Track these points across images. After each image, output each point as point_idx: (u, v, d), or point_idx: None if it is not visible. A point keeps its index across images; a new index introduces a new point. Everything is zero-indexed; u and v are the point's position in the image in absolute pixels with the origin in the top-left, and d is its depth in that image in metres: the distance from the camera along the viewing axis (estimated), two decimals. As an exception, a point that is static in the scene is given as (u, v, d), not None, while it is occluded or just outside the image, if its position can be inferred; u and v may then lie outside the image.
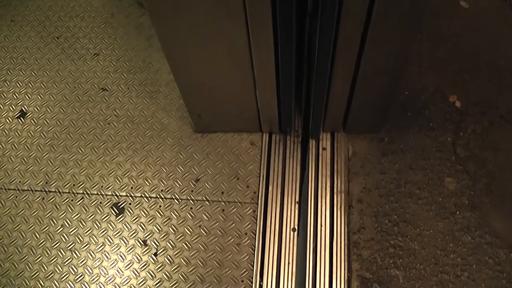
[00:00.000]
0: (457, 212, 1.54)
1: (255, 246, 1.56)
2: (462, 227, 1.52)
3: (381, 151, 1.63)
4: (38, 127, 1.88)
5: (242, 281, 1.52)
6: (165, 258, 1.57)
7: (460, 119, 1.66)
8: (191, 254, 1.57)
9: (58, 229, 1.66)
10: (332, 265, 1.51)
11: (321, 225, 1.56)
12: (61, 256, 1.61)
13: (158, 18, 1.21)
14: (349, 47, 1.24)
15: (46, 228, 1.66)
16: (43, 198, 1.72)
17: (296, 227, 1.57)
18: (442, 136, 1.63)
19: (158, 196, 1.68)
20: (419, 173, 1.59)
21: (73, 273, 1.58)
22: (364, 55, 1.26)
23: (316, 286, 1.49)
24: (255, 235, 1.57)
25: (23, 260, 1.61)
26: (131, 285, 1.54)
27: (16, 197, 1.73)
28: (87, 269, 1.58)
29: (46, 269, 1.59)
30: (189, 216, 1.63)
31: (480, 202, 1.55)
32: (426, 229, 1.53)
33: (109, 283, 1.55)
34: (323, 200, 1.59)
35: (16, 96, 1.97)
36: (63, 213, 1.68)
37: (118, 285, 1.54)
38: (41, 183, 1.75)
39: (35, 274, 1.58)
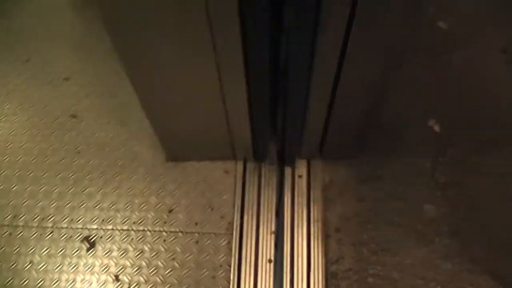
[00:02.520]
0: (437, 240, 1.53)
1: (230, 279, 1.54)
2: (442, 254, 1.51)
3: (359, 177, 1.62)
4: (5, 157, 1.84)
5: (218, 316, 1.50)
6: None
7: (439, 144, 1.65)
8: (165, 289, 1.55)
9: (26, 266, 1.62)
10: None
11: (298, 256, 1.54)
12: (31, 295, 1.58)
13: (123, 52, 1.19)
14: (326, 70, 1.21)
15: (14, 265, 1.63)
16: (10, 234, 1.68)
17: (272, 258, 1.55)
18: (421, 161, 1.62)
19: (130, 228, 1.65)
20: (398, 200, 1.58)
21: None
22: (342, 79, 1.23)
23: (293, 320, 1.47)
24: (231, 267, 1.55)
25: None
26: (104, 324, 1.51)
27: (-18, 232, 1.70)
28: (57, 308, 1.55)
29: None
30: (162, 249, 1.61)
31: (460, 229, 1.54)
32: (405, 257, 1.52)
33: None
34: (300, 230, 1.57)
35: (-18, 124, 1.94)
36: (31, 249, 1.65)
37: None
38: (9, 217, 1.72)
39: (2, 315, 1.55)
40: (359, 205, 1.58)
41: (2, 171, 1.81)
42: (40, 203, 1.73)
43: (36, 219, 1.70)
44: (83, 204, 1.71)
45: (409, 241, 1.53)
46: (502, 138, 1.66)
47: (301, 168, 1.66)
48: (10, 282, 1.59)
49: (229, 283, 1.53)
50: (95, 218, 1.68)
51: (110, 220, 1.67)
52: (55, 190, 1.75)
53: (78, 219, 1.68)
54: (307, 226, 1.57)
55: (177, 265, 1.58)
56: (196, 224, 1.63)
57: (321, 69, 1.20)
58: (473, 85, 1.74)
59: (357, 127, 1.49)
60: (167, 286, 1.55)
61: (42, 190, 1.75)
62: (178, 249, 1.60)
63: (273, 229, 1.59)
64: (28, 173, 1.80)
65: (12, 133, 1.90)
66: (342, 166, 1.64)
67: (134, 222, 1.66)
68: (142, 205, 1.69)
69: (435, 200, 1.57)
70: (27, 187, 1.77)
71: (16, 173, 1.80)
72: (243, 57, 1.15)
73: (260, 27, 1.07)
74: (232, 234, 1.59)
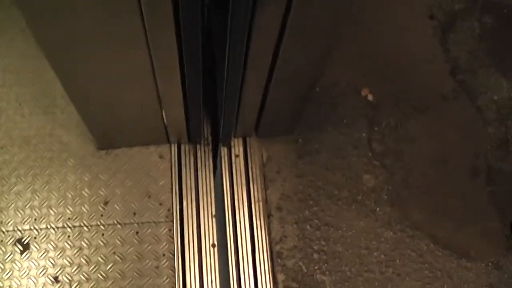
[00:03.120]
0: (377, 209, 1.55)
1: (175, 267, 1.51)
2: (384, 223, 1.54)
3: (297, 153, 1.60)
4: None
5: (165, 306, 1.48)
6: (81, 293, 1.51)
7: (373, 113, 1.63)
8: (108, 285, 1.51)
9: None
10: (256, 279, 1.49)
11: (241, 238, 1.53)
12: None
13: (42, 40, 1.07)
14: (263, 50, 1.16)
15: None
16: None
17: (216, 242, 1.53)
18: (357, 132, 1.61)
19: (66, 226, 1.58)
20: (337, 172, 1.57)
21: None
22: (279, 56, 1.18)
23: (241, 302, 1.47)
24: (174, 255, 1.53)
25: None
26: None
27: None
28: (-5, 316, 1.49)
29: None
30: (102, 244, 1.56)
31: (399, 196, 1.56)
32: (348, 229, 1.53)
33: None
34: (241, 211, 1.55)
35: None
36: (-40, 257, 1.57)
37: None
38: None
39: None
40: (298, 182, 1.57)
41: None
42: (-35, 206, 1.63)
43: (-38, 225, 1.60)
44: (12, 204, 1.62)
45: (350, 213, 1.54)
46: (431, 102, 1.66)
47: (238, 147, 1.62)
48: None
49: (174, 271, 1.51)
50: (27, 218, 1.60)
51: (43, 219, 1.59)
52: (-20, 191, 1.65)
53: (8, 221, 1.60)
54: (248, 206, 1.55)
55: (118, 259, 1.54)
56: (134, 214, 1.58)
57: (258, 48, 1.14)
58: (402, 52, 1.72)
59: (293, 106, 1.45)
60: (110, 282, 1.51)
61: (-35, 192, 1.65)
62: (118, 242, 1.55)
63: (214, 212, 1.56)
64: None
65: None
66: (278, 143, 1.61)
67: (69, 218, 1.59)
68: (75, 199, 1.61)
69: (373, 170, 1.57)
70: (-52, 191, 1.65)
71: None
72: (175, 37, 1.06)
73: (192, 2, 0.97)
74: (172, 221, 1.56)
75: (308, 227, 1.53)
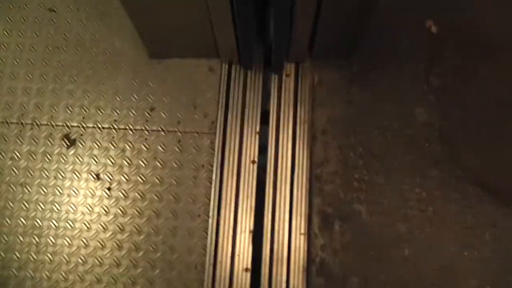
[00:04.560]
0: (427, 145, 1.52)
1: (212, 179, 1.56)
2: (431, 160, 1.51)
3: (349, 79, 1.58)
4: (-19, 52, 1.82)
5: (199, 215, 1.54)
6: (119, 192, 1.58)
7: (435, 46, 1.59)
8: (146, 188, 1.58)
9: (8, 163, 1.65)
10: (292, 200, 1.51)
11: (282, 157, 1.55)
12: (12, 191, 1.61)
13: None
14: None
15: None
16: (-11, 129, 1.70)
17: (256, 159, 1.56)
18: (415, 63, 1.58)
19: (111, 127, 1.65)
20: (389, 103, 1.55)
21: (25, 209, 1.59)
22: None
23: (275, 221, 1.50)
24: (213, 167, 1.57)
25: None
26: (85, 221, 1.56)
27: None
28: (39, 205, 1.59)
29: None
30: (144, 148, 1.62)
31: (451, 134, 1.52)
32: (392, 162, 1.52)
33: (62, 220, 1.57)
34: (285, 131, 1.57)
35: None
36: (12, 145, 1.67)
37: (71, 221, 1.56)
38: (-13, 113, 1.72)
39: (-16, 208, 1.60)
40: (348, 107, 1.56)
41: (-22, 66, 1.79)
42: (19, 99, 1.72)
43: (15, 116, 1.70)
44: (63, 101, 1.70)
45: (397, 146, 1.52)
46: (501, 43, 1.60)
47: (290, 68, 1.62)
48: (-9, 178, 1.63)
49: (211, 183, 1.55)
50: (76, 115, 1.68)
51: (91, 118, 1.67)
52: (34, 87, 1.74)
53: (59, 116, 1.68)
54: (293, 127, 1.56)
55: (158, 164, 1.59)
56: (179, 122, 1.63)
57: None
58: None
59: (347, 28, 1.43)
60: (148, 185, 1.57)
61: (20, 86, 1.74)
62: (160, 148, 1.61)
63: (257, 129, 1.59)
64: (5, 69, 1.77)
65: (-13, 27, 1.85)
66: (332, 67, 1.60)
67: (115, 120, 1.66)
68: (123, 103, 1.68)
69: (427, 104, 1.54)
70: (5, 84, 1.75)
71: (-7, 68, 1.78)
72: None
73: None
74: (215, 133, 1.59)
75: (351, 154, 1.53)
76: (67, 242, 1.53)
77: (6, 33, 1.81)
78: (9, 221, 1.56)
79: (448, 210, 1.48)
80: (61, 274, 1.51)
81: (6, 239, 1.55)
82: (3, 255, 1.54)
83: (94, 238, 1.53)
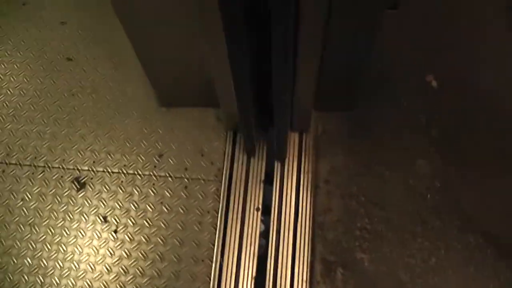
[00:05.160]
0: (428, 195, 1.57)
1: (217, 225, 1.60)
2: (432, 210, 1.56)
3: (352, 130, 1.66)
4: (0, 96, 1.92)
5: (203, 260, 1.57)
6: (125, 235, 1.63)
7: (435, 99, 1.67)
8: (151, 232, 1.63)
9: (18, 203, 1.71)
10: (295, 247, 1.55)
11: (286, 205, 1.60)
12: (20, 231, 1.67)
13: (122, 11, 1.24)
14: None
15: (6, 202, 1.72)
16: (3, 171, 1.77)
17: (260, 207, 1.62)
18: (416, 115, 1.65)
19: (121, 171, 1.73)
20: (391, 153, 1.62)
21: (32, 248, 1.64)
22: (332, 29, 1.25)
23: (278, 268, 1.54)
24: (218, 214, 1.62)
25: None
26: (90, 263, 1.60)
27: (-24, 169, 1.80)
28: (46, 245, 1.64)
29: (4, 243, 1.65)
30: (151, 193, 1.68)
31: (453, 185, 1.57)
32: (394, 211, 1.56)
33: (68, 260, 1.61)
34: (289, 180, 1.63)
35: (-22, 64, 2.01)
36: (23, 187, 1.74)
37: (76, 262, 1.61)
38: (2, 155, 1.80)
39: (-8, 248, 1.65)
40: (350, 157, 1.62)
41: (-4, 110, 1.90)
42: (33, 142, 1.81)
43: (28, 158, 1.78)
44: (75, 146, 1.79)
45: (398, 195, 1.57)
46: (498, 99, 1.68)
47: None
48: (1, 218, 1.69)
49: (215, 229, 1.60)
50: (87, 159, 1.76)
51: (101, 162, 1.75)
52: (48, 131, 1.83)
53: (70, 160, 1.76)
54: (297, 176, 1.63)
55: (165, 209, 1.65)
56: (186, 169, 1.70)
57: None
58: (473, 43, 1.75)
59: (349, 81, 1.52)
60: (154, 229, 1.63)
61: (35, 130, 1.83)
62: (167, 194, 1.67)
63: (262, 178, 1.65)
64: (22, 113, 1.87)
65: (7, 74, 1.97)
66: (335, 118, 1.68)
67: (124, 165, 1.73)
68: (133, 149, 1.76)
69: (428, 155, 1.60)
70: (21, 127, 1.85)
71: (11, 112, 1.88)
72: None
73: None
74: (221, 181, 1.66)
75: (354, 203, 1.58)
76: (71, 282, 1.57)
77: (25, 80, 1.93)
78: (15, 260, 1.61)
79: (450, 261, 1.50)
80: (64, 316, 1.54)
81: (11, 278, 1.59)
82: (7, 295, 1.58)
83: (98, 279, 1.57)
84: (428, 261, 1.50)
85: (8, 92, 1.92)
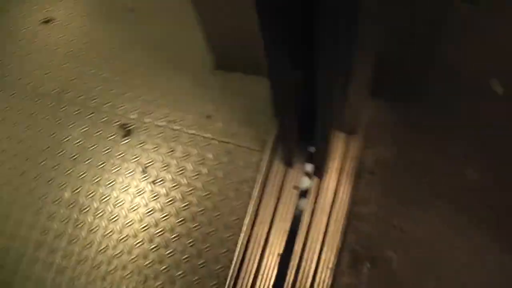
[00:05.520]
0: (474, 207, 1.53)
1: (253, 195, 1.61)
2: (476, 224, 1.52)
3: (407, 124, 1.62)
4: (62, 35, 1.97)
5: (232, 227, 1.59)
6: (162, 189, 1.66)
7: (500, 105, 1.61)
8: (187, 190, 1.65)
9: (65, 139, 1.76)
10: (326, 232, 1.54)
11: (324, 189, 1.59)
12: (63, 165, 1.72)
13: None
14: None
15: (53, 135, 1.77)
16: (55, 106, 1.82)
17: (299, 186, 1.61)
18: (473, 119, 1.60)
19: (167, 126, 1.75)
20: (442, 156, 1.58)
21: (71, 184, 1.69)
22: None
23: (305, 250, 1.53)
24: (255, 184, 1.62)
25: (28, 160, 1.74)
26: (124, 208, 1.64)
27: (31, 99, 1.85)
28: (85, 183, 1.69)
29: (46, 174, 1.72)
30: (194, 152, 1.70)
31: (500, 199, 1.53)
32: (435, 216, 1.53)
33: (103, 202, 1.65)
34: (333, 163, 1.61)
35: (44, 2, 2.06)
36: (72, 124, 1.79)
37: (111, 205, 1.65)
38: (56, 90, 1.85)
39: (37, 176, 1.72)
40: (400, 152, 1.59)
41: (56, 48, 1.95)
42: (87, 84, 1.85)
43: (80, 98, 1.83)
44: (127, 93, 1.82)
45: (443, 202, 1.54)
46: None
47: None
48: (48, 149, 1.75)
49: (250, 198, 1.61)
50: (136, 109, 1.79)
51: (150, 114, 1.77)
52: (103, 75, 1.86)
53: (120, 106, 1.80)
54: (342, 161, 1.61)
55: (205, 170, 1.67)
56: (232, 135, 1.71)
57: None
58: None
59: (413, 70, 1.48)
60: (191, 188, 1.65)
61: (90, 72, 1.87)
62: (209, 155, 1.69)
63: (306, 158, 1.64)
64: (80, 54, 1.92)
65: (71, 14, 2.02)
66: (391, 108, 1.64)
67: (171, 121, 1.75)
68: (183, 106, 1.77)
69: (477, 163, 1.56)
70: (77, 67, 1.89)
71: (70, 51, 1.93)
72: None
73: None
74: (265, 152, 1.66)
75: (395, 200, 1.55)
76: (104, 224, 1.62)
77: (87, 24, 1.97)
78: (55, 192, 1.67)
79: (484, 277, 1.47)
80: (91, 253, 1.59)
81: (49, 208, 1.65)
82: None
83: (128, 226, 1.61)
84: (460, 274, 1.47)
85: (70, 32, 1.96)
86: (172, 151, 1.69)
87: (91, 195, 1.65)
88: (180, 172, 1.66)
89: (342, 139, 1.61)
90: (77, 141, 1.74)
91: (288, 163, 1.59)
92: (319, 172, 1.55)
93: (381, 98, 1.62)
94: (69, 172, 1.69)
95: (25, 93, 1.86)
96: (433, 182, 1.55)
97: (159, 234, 1.58)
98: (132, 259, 1.56)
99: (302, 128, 1.37)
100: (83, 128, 1.76)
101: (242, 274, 1.51)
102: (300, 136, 1.45)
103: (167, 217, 1.60)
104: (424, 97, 1.61)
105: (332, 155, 1.60)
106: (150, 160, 1.68)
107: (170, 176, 1.65)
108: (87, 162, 1.70)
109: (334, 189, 1.57)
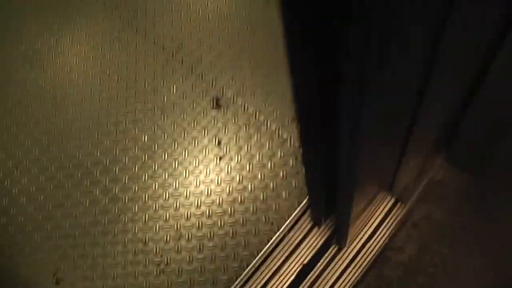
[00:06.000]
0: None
1: (301, 203, 1.72)
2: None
3: (469, 192, 1.62)
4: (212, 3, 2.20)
5: (272, 223, 1.70)
6: (226, 166, 1.81)
7: None
8: (247, 176, 1.78)
9: (164, 88, 2.00)
10: (352, 262, 1.61)
11: (368, 223, 1.66)
12: (153, 114, 1.96)
13: None
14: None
15: (155, 81, 2.02)
16: (168, 59, 2.06)
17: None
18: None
19: (254, 113, 1.89)
20: (496, 235, 1.57)
21: (158, 134, 1.92)
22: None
23: (325, 270, 1.61)
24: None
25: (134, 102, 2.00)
26: (187, 168, 1.83)
27: (153, 48, 2.10)
28: (164, 134, 1.91)
29: (143, 125, 1.96)
30: (266, 145, 1.82)
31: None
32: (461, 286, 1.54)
33: (171, 154, 1.87)
34: (385, 199, 1.66)
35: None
36: (175, 80, 2.01)
37: (176, 161, 1.85)
38: (175, 47, 2.09)
39: (127, 112, 1.97)
40: (451, 217, 1.61)
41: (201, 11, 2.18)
42: (197, 52, 2.06)
43: (191, 61, 2.04)
44: (231, 71, 1.99)
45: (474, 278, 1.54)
46: None
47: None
48: (145, 88, 1.99)
49: (297, 204, 1.71)
50: (234, 88, 1.96)
51: (243, 96, 1.93)
52: (215, 51, 2.06)
53: (220, 79, 1.98)
54: (393, 203, 1.66)
55: (269, 165, 1.81)
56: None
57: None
58: None
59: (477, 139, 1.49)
60: (250, 176, 1.79)
61: (205, 43, 2.08)
62: (278, 154, 1.82)
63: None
64: (214, 27, 2.13)
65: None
66: (457, 174, 1.65)
67: (260, 111, 1.91)
68: (277, 104, 1.92)
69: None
70: (204, 35, 2.11)
71: (193, 24, 2.15)
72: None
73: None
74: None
75: (428, 258, 1.58)
76: (164, 176, 1.82)
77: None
78: (143, 138, 1.91)
79: None
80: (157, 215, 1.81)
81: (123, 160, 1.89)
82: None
83: (183, 186, 1.80)
84: None
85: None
86: (249, 137, 1.85)
87: (164, 141, 1.88)
88: (247, 158, 1.81)
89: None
90: (173, 94, 1.95)
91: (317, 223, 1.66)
92: (340, 241, 1.60)
93: (450, 162, 1.64)
94: (158, 122, 1.91)
95: (150, 41, 2.10)
96: (477, 257, 1.55)
97: (208, 204, 1.76)
98: (176, 215, 1.75)
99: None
100: (181, 87, 1.97)
101: (262, 268, 1.63)
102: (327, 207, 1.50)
103: (220, 192, 1.76)
104: (493, 169, 1.61)
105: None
106: (226, 137, 1.86)
107: (237, 158, 1.81)
108: (173, 113, 1.92)
109: (376, 226, 1.62)
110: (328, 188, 1.28)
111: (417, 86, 0.97)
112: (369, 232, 1.64)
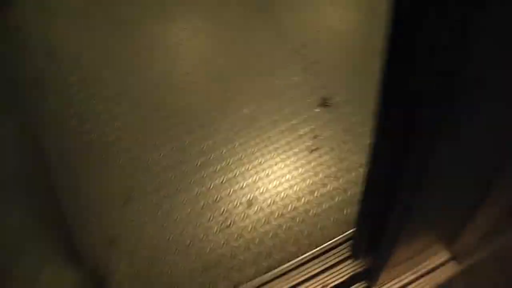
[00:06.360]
0: None
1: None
2: None
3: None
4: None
5: (339, 222, 1.77)
6: (314, 160, 1.89)
7: None
8: (329, 175, 1.85)
9: (274, 76, 2.13)
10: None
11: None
12: (256, 83, 2.09)
13: None
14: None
15: (264, 65, 2.15)
16: (292, 52, 2.19)
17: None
18: None
19: (357, 122, 1.98)
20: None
21: (250, 102, 2.05)
22: None
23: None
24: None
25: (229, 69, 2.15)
26: (277, 150, 1.94)
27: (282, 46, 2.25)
28: (267, 114, 2.03)
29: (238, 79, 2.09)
30: (356, 156, 1.90)
31: None
32: None
33: (267, 128, 1.98)
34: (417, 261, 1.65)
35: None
36: (288, 71, 2.14)
37: (268, 140, 1.96)
38: (300, 44, 2.23)
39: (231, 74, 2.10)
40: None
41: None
42: (325, 52, 2.18)
43: (309, 62, 2.16)
44: (348, 78, 2.10)
45: None
46: None
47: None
48: (253, 64, 2.12)
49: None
50: (346, 93, 2.07)
51: (354, 104, 2.03)
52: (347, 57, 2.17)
53: (334, 82, 2.09)
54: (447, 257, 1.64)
55: (353, 173, 1.87)
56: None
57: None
58: None
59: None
60: (332, 177, 1.86)
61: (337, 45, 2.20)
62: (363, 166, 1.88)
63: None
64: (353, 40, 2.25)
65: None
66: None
67: (360, 122, 1.99)
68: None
69: None
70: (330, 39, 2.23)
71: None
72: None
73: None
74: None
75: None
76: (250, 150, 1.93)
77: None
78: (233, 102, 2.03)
79: None
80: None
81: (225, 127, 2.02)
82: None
83: (270, 167, 1.91)
84: None
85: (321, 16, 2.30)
86: (343, 141, 1.92)
87: (263, 122, 1.99)
88: (336, 161, 1.88)
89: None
90: (286, 82, 2.07)
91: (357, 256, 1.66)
92: (370, 279, 1.59)
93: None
94: (258, 92, 2.04)
95: (275, 33, 2.25)
96: None
97: (287, 187, 1.84)
98: (253, 186, 1.85)
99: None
100: (295, 79, 2.09)
101: (286, 276, 1.64)
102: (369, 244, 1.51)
103: (300, 181, 1.85)
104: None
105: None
106: (323, 135, 1.94)
107: (326, 157, 1.89)
108: (279, 98, 2.03)
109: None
110: (375, 230, 1.31)
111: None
112: (406, 280, 1.61)
